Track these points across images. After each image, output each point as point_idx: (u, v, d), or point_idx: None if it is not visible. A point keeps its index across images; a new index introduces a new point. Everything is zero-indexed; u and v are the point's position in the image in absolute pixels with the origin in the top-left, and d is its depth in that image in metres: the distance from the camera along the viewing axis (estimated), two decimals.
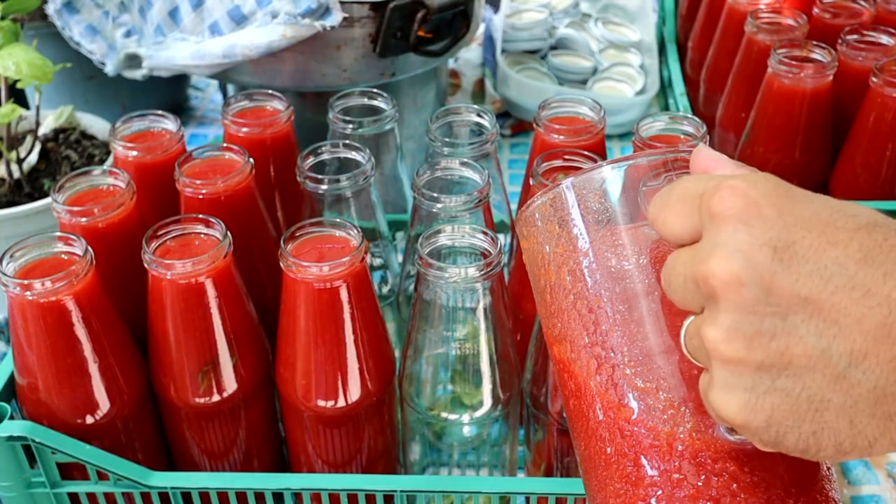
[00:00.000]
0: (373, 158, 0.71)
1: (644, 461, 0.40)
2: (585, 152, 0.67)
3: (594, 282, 0.42)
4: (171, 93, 1.22)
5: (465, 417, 0.67)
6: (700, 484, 0.38)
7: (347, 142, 0.73)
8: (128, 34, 0.95)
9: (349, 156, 0.73)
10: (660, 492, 0.39)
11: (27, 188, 0.88)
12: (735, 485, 0.38)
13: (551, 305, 0.44)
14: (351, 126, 0.77)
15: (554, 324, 0.44)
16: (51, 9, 0.95)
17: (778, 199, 0.34)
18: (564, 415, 0.45)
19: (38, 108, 0.88)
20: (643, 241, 0.42)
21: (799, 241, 0.33)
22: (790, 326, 0.33)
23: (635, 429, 0.40)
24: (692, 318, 0.37)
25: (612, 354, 0.41)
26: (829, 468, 0.41)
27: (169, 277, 0.60)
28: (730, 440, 0.39)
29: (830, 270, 0.33)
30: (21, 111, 0.83)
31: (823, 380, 0.33)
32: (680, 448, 0.39)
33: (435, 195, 0.66)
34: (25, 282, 0.58)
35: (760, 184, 0.35)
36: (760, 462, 0.39)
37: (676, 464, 0.39)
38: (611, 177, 0.43)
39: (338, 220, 0.63)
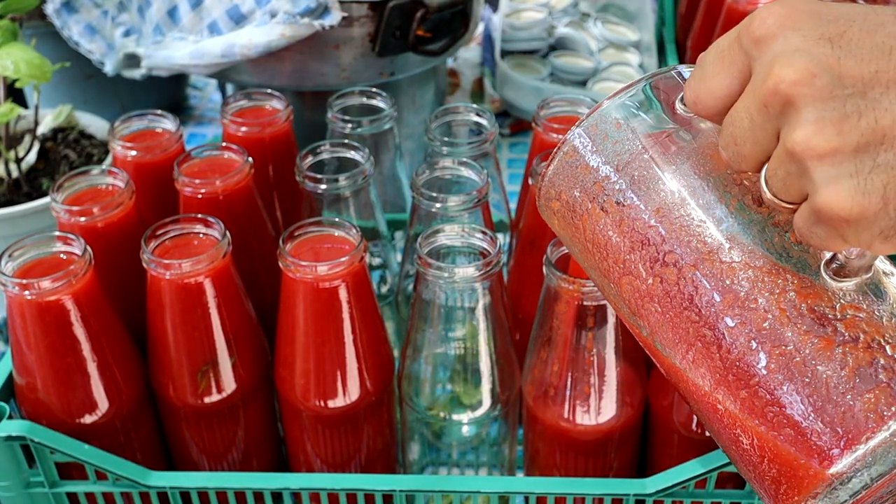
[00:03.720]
0: (372, 158, 0.71)
1: (761, 340, 0.39)
2: None
3: (644, 195, 0.42)
4: (169, 92, 1.22)
5: (464, 417, 0.67)
6: (829, 332, 0.39)
7: (346, 141, 0.73)
8: (126, 33, 0.95)
9: (348, 155, 0.73)
10: (793, 358, 0.39)
11: (26, 188, 0.88)
12: (863, 324, 0.39)
13: (606, 244, 0.44)
14: (350, 125, 0.77)
15: (617, 259, 0.44)
16: (49, 8, 0.95)
17: (810, 5, 0.36)
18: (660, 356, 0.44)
19: (36, 108, 0.88)
20: (677, 146, 0.43)
21: (847, 29, 0.34)
22: (872, 102, 0.34)
23: (736, 311, 0.40)
24: (765, 168, 0.37)
25: (687, 251, 0.41)
26: None
27: (168, 277, 0.60)
28: (838, 284, 0.39)
29: (889, 44, 0.34)
30: (20, 110, 0.83)
31: None
32: (793, 309, 0.39)
33: (434, 195, 0.66)
34: (24, 281, 0.58)
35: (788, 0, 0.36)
36: (875, 297, 0.39)
37: (797, 325, 0.39)
38: (618, 107, 0.44)
39: (337, 219, 0.63)
